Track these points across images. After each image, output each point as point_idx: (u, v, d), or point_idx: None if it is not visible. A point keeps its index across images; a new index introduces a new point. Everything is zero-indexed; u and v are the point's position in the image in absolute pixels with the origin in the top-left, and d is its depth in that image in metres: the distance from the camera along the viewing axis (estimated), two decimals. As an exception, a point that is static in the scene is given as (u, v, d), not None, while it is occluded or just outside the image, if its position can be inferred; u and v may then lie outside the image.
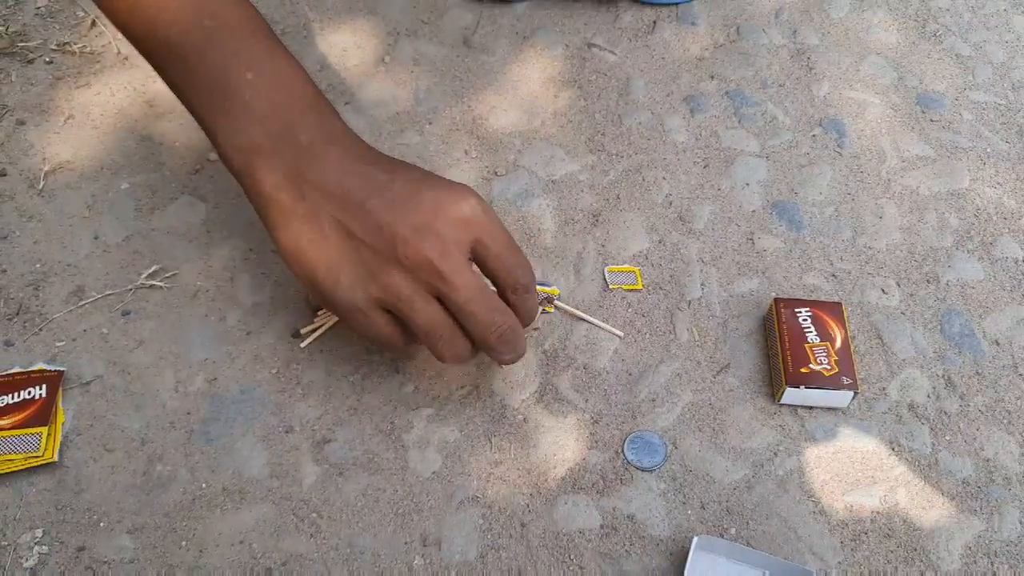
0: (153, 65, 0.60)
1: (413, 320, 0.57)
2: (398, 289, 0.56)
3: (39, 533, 0.60)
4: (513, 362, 0.62)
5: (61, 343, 0.68)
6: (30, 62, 0.85)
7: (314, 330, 0.69)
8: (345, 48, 0.88)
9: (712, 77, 0.89)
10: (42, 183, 0.76)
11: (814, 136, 0.85)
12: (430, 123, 0.83)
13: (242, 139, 0.57)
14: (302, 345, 0.69)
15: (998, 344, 0.72)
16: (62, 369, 0.66)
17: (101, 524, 0.61)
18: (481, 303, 0.57)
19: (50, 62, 0.85)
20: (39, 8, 0.89)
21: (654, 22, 0.93)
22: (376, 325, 0.58)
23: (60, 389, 0.65)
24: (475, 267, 0.59)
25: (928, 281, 0.75)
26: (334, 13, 0.91)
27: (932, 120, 0.87)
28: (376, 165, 0.59)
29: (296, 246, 0.57)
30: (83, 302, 0.70)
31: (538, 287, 0.72)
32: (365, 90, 0.85)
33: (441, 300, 0.57)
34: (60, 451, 0.63)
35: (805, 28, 0.94)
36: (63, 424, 0.64)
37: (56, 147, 0.79)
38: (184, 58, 0.58)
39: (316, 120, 0.59)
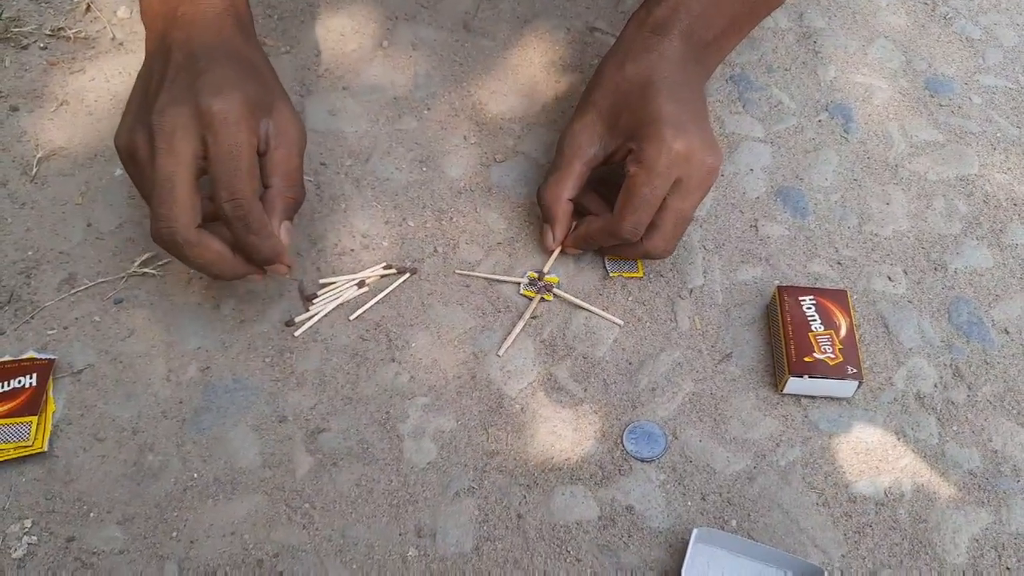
0: None
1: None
2: (139, 150, 0.60)
3: (28, 523, 0.59)
4: (189, 264, 0.62)
5: (52, 331, 0.67)
6: (24, 48, 0.84)
7: (308, 319, 0.68)
8: (343, 33, 0.86)
9: (716, 61, 0.87)
10: (35, 170, 0.75)
11: (820, 121, 0.83)
12: (429, 108, 0.82)
13: (145, 3, 0.68)
14: (296, 333, 0.68)
15: (1007, 333, 0.70)
16: (53, 357, 0.65)
17: (91, 514, 0.60)
18: (159, 189, 0.58)
19: (44, 48, 0.84)
20: (34, -7, 0.88)
21: (657, 5, 0.91)
22: (129, 171, 0.62)
23: (51, 378, 0.64)
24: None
25: (936, 268, 0.74)
26: (332, -3, 0.89)
27: (941, 105, 0.85)
28: (208, 49, 0.63)
29: (135, 84, 0.65)
30: (75, 290, 0.69)
31: (537, 274, 0.71)
32: (363, 75, 0.83)
33: None
34: (50, 440, 0.62)
35: (812, 11, 0.92)
36: (53, 413, 0.63)
37: (49, 133, 0.78)
38: None
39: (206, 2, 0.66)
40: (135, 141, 0.60)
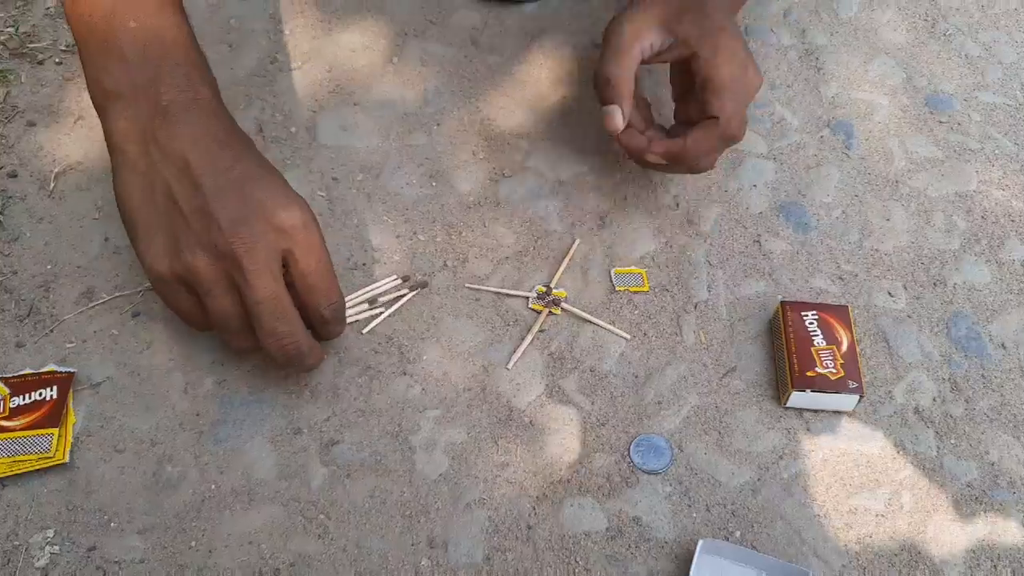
0: None
1: (207, 305, 0.59)
2: (200, 273, 0.58)
3: (50, 533, 0.61)
4: (299, 371, 0.65)
5: (71, 344, 0.69)
6: (40, 63, 0.85)
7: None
8: (354, 49, 0.88)
9: (720, 77, 0.89)
10: (52, 185, 0.77)
11: (822, 137, 0.85)
12: (438, 124, 0.83)
13: (107, 81, 0.59)
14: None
15: (1004, 348, 0.72)
16: (73, 371, 0.67)
17: (112, 524, 0.61)
18: (269, 308, 0.58)
19: (60, 63, 0.85)
20: (48, 9, 0.90)
21: (662, 22, 0.93)
22: (175, 298, 0.61)
23: (71, 390, 0.66)
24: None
25: (935, 284, 0.75)
26: (343, 13, 0.91)
27: (940, 121, 0.87)
28: (225, 148, 0.60)
29: (126, 196, 0.60)
30: (93, 303, 0.71)
31: (545, 288, 0.73)
32: (374, 91, 0.85)
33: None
34: (71, 452, 0.64)
35: (814, 28, 0.93)
36: (74, 425, 0.65)
37: (66, 148, 0.79)
38: None
39: (184, 82, 0.60)
40: (194, 265, 0.57)
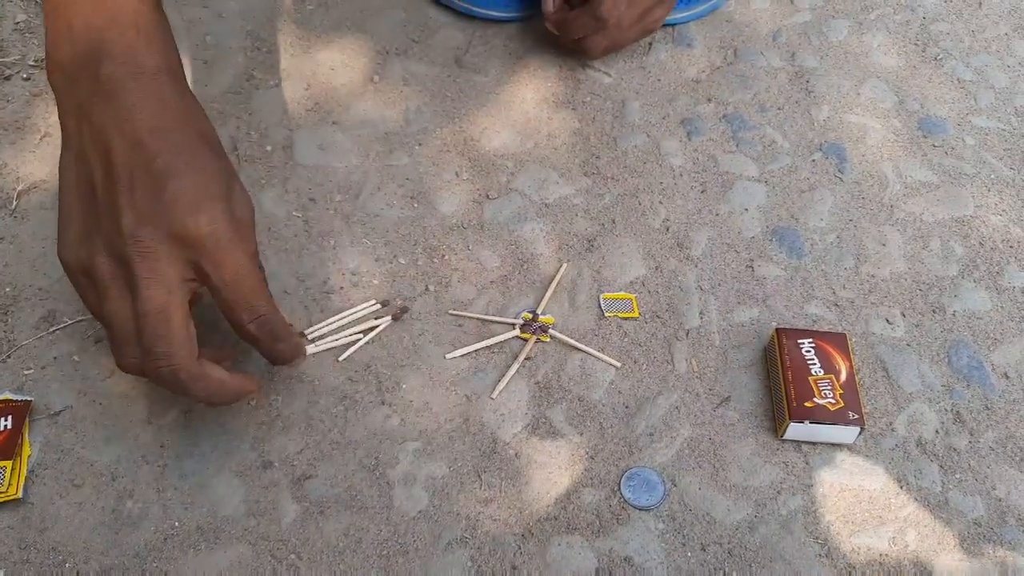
0: None
1: (102, 307, 0.54)
2: (99, 270, 0.53)
3: (1, 574, 0.56)
4: (196, 400, 0.57)
5: (29, 371, 0.65)
6: (7, 78, 0.82)
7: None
8: (333, 67, 0.85)
9: (709, 100, 0.87)
10: (15, 203, 0.73)
11: (814, 161, 0.82)
12: (420, 144, 0.81)
13: (54, 55, 0.55)
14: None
15: (1007, 377, 0.69)
16: (29, 399, 0.63)
17: (67, 564, 0.57)
18: (152, 323, 0.52)
19: (27, 79, 0.82)
20: (18, 23, 0.86)
21: (650, 43, 0.91)
22: (82, 291, 0.56)
23: (27, 420, 0.62)
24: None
25: (934, 311, 0.73)
26: (322, 31, 0.88)
27: (934, 145, 0.85)
28: (155, 135, 0.53)
29: (60, 175, 0.55)
30: (54, 328, 0.67)
31: (531, 315, 0.69)
32: (354, 109, 0.82)
33: None
34: (25, 486, 0.60)
35: (804, 51, 0.92)
36: (29, 457, 0.61)
37: (31, 166, 0.76)
38: None
39: (126, 52, 0.54)
40: (94, 261, 0.53)
